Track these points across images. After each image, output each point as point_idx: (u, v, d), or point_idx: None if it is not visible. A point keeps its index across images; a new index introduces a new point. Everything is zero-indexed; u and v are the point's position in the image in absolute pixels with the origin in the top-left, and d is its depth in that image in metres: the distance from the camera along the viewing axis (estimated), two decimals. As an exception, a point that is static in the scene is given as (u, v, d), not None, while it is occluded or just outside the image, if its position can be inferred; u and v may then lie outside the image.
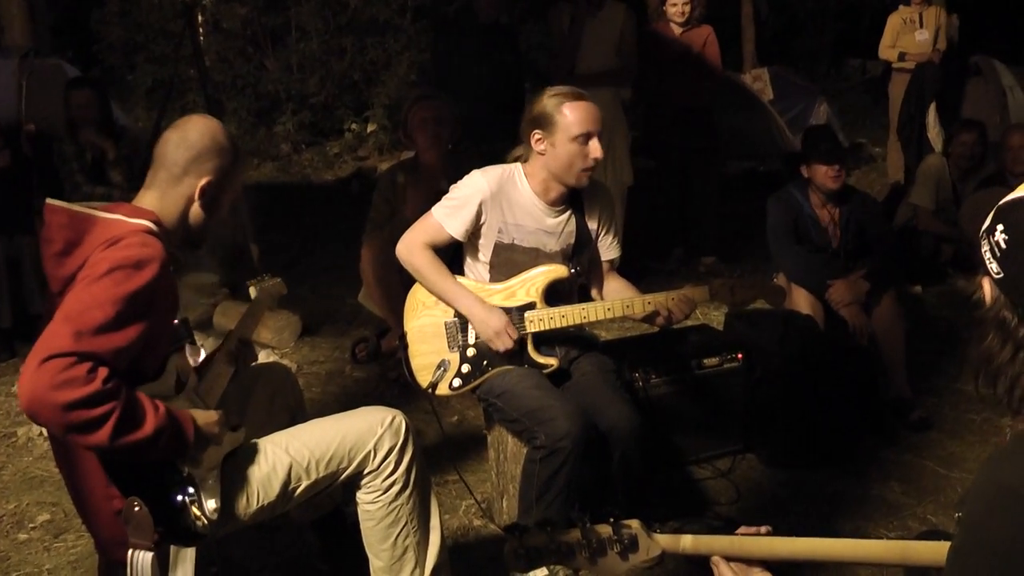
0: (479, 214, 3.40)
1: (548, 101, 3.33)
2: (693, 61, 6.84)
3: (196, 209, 2.63)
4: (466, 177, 3.46)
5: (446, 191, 3.50)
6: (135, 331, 2.27)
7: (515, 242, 3.44)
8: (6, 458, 4.49)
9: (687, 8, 6.78)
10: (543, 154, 3.36)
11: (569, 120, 3.29)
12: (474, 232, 3.44)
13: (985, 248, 1.47)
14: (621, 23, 6.59)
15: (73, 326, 2.17)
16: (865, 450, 4.26)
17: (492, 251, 3.46)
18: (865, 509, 3.82)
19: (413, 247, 3.45)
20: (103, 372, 2.16)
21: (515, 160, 3.49)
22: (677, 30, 6.85)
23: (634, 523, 1.80)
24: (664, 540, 1.81)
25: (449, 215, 3.41)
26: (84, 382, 2.12)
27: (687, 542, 1.81)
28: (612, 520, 1.79)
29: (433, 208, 3.46)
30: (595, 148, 3.31)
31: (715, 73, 7.06)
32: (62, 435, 2.23)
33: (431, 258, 3.43)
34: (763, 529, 1.87)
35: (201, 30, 11.30)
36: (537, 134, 3.36)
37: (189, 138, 2.61)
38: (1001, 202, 1.48)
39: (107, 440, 2.17)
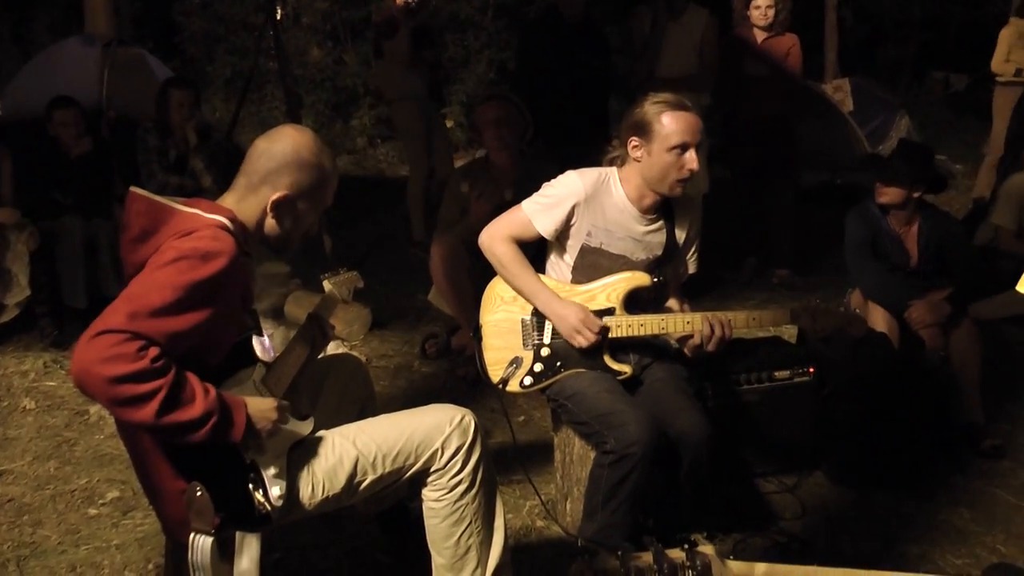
0: (571, 215, 3.39)
1: (649, 108, 3.30)
2: (774, 70, 6.77)
3: (270, 221, 2.65)
4: (562, 176, 3.44)
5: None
6: (193, 319, 2.30)
7: (603, 247, 3.42)
8: (78, 435, 4.59)
9: (771, 12, 6.69)
10: (639, 160, 3.35)
11: (667, 129, 3.26)
12: (563, 232, 3.44)
13: None
14: (703, 28, 6.55)
15: (130, 306, 2.22)
16: (935, 474, 4.18)
17: (578, 253, 3.45)
18: (932, 534, 3.75)
19: (496, 238, 3.45)
20: (153, 351, 2.20)
21: (611, 161, 3.47)
22: (761, 36, 6.77)
23: (708, 549, 1.79)
24: (737, 568, 1.80)
25: (540, 212, 3.41)
26: (132, 359, 2.16)
27: (761, 570, 1.79)
28: (686, 546, 1.77)
29: (524, 202, 3.45)
30: (691, 159, 3.28)
31: (795, 83, 6.98)
32: (108, 408, 2.26)
33: (514, 250, 3.43)
34: None
35: (281, 24, 11.42)
36: (634, 140, 3.34)
37: (273, 149, 2.63)
38: None
39: (152, 417, 2.20)
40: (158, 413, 2.20)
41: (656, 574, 1.77)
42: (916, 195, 4.56)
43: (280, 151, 2.63)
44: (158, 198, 2.48)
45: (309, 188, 2.67)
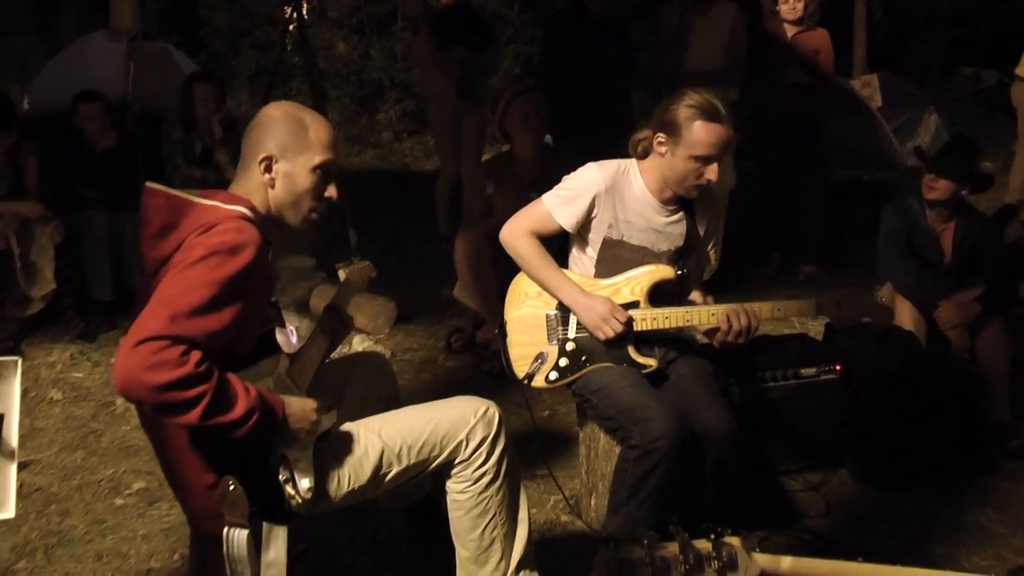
0: (591, 207, 3.37)
1: (684, 110, 3.23)
2: (803, 65, 6.72)
3: (270, 190, 2.62)
4: (581, 169, 3.43)
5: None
6: (229, 315, 2.31)
7: (624, 239, 3.41)
8: (104, 426, 4.62)
9: (799, 6, 6.64)
10: (662, 156, 3.32)
11: (696, 139, 3.21)
12: (584, 225, 3.42)
13: None
14: (731, 22, 6.50)
15: (168, 309, 2.21)
16: (961, 474, 4.14)
17: (600, 246, 3.44)
18: (958, 535, 3.72)
19: (517, 233, 3.43)
20: (196, 355, 2.20)
21: (639, 143, 3.43)
22: (791, 31, 6.72)
23: (734, 541, 1.77)
24: (763, 560, 1.78)
25: (560, 205, 3.39)
26: (176, 364, 2.16)
27: (787, 564, 1.78)
28: (712, 537, 1.76)
29: (544, 196, 3.44)
30: (712, 171, 3.25)
31: (826, 80, 6.92)
32: (154, 415, 2.29)
33: (535, 245, 3.41)
34: None
35: (307, 18, 11.43)
36: (661, 137, 3.30)
37: (251, 126, 2.65)
38: None
39: (197, 420, 2.22)
40: (203, 416, 2.22)
41: (682, 564, 1.75)
42: (964, 192, 4.53)
43: (256, 123, 2.64)
44: (175, 192, 2.48)
45: (292, 141, 2.61)
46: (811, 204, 7.00)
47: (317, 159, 2.64)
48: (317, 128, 2.66)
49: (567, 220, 3.39)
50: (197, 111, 6.12)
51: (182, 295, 2.25)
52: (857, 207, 7.84)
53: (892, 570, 1.74)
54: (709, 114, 3.20)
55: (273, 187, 2.62)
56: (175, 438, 2.49)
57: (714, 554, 1.75)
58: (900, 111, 10.75)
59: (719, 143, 3.22)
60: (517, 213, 3.49)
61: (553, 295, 3.44)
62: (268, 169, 2.60)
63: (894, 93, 10.97)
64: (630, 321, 3.36)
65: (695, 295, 3.64)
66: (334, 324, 3.05)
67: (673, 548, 1.76)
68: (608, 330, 3.33)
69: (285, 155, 2.61)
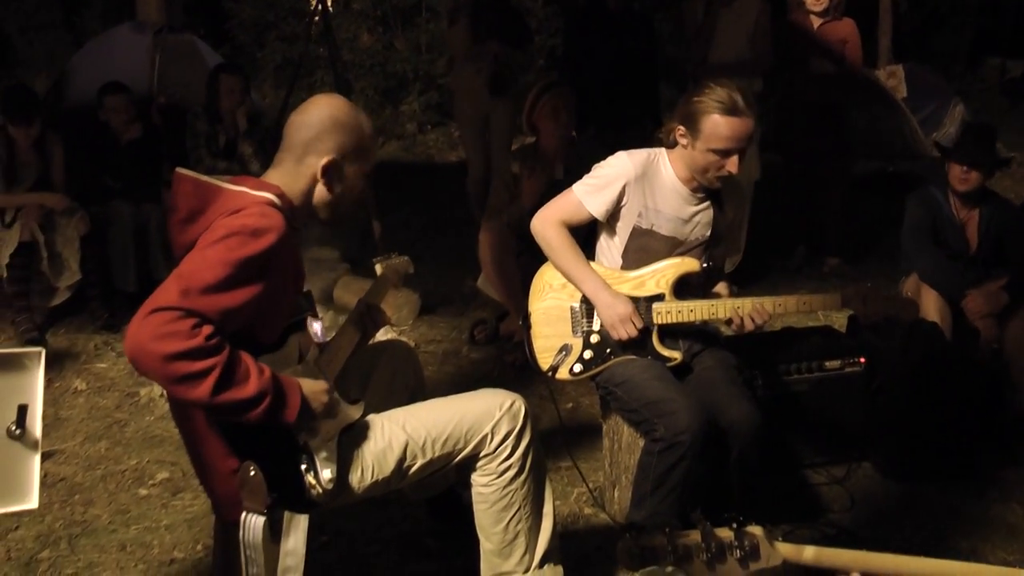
0: (621, 195, 3.36)
1: (701, 104, 3.22)
2: (829, 56, 6.67)
3: (320, 188, 2.63)
4: (611, 157, 3.42)
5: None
6: (244, 295, 2.31)
7: (654, 228, 3.40)
8: (128, 416, 4.65)
9: None
10: (684, 148, 3.32)
11: (713, 132, 3.19)
12: (613, 215, 3.41)
13: None
14: (756, 13, 6.45)
15: (183, 283, 2.23)
16: (986, 468, 4.11)
17: (629, 235, 3.43)
18: (983, 529, 3.70)
19: (548, 223, 3.42)
20: (207, 329, 2.21)
21: (668, 133, 3.39)
22: (816, 22, 6.65)
23: (757, 530, 1.76)
24: (786, 550, 1.77)
25: (591, 194, 3.38)
26: (187, 336, 2.17)
27: (809, 553, 1.76)
28: (734, 526, 1.75)
29: (574, 185, 3.43)
30: (732, 164, 3.23)
31: (852, 71, 6.85)
32: (163, 386, 2.29)
33: (565, 236, 3.40)
34: None
35: (331, 10, 11.44)
36: (681, 129, 3.29)
37: (310, 119, 2.61)
38: None
39: (207, 396, 2.22)
40: (213, 391, 2.22)
41: (704, 552, 1.73)
42: (988, 179, 4.50)
43: (317, 119, 2.61)
44: (204, 178, 2.49)
45: (353, 148, 2.64)
46: (834, 195, 6.94)
47: (369, 166, 2.70)
48: (372, 134, 2.71)
49: (597, 208, 3.37)
50: (223, 103, 6.14)
51: (198, 271, 2.27)
52: (882, 199, 7.78)
53: (915, 561, 1.72)
54: (727, 108, 3.18)
55: (327, 187, 2.63)
56: (201, 421, 2.50)
57: (736, 543, 1.74)
58: (926, 102, 10.64)
59: (737, 136, 3.20)
60: (548, 203, 3.48)
61: (577, 287, 3.43)
62: (327, 172, 2.61)
63: (920, 84, 10.85)
64: (647, 331, 3.37)
65: (720, 287, 3.63)
66: (365, 321, 3.05)
67: (695, 536, 1.74)
68: (623, 332, 3.33)
69: (345, 160, 2.63)
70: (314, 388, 2.48)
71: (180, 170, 2.51)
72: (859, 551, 1.75)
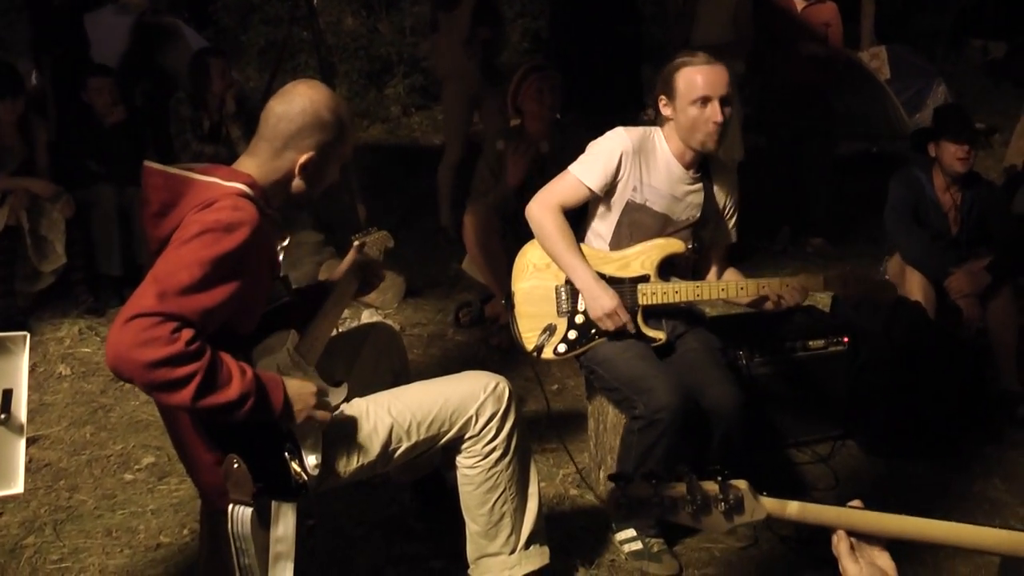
0: (619, 168, 3.38)
1: (671, 66, 3.35)
2: (811, 38, 6.68)
3: (298, 182, 2.61)
4: (608, 132, 3.45)
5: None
6: (223, 293, 2.29)
7: (647, 203, 3.42)
8: (114, 401, 4.63)
9: None
10: (671, 119, 3.37)
11: (688, 84, 3.28)
12: (610, 189, 3.42)
13: None
14: (737, -5, 6.47)
15: (159, 287, 2.21)
16: (968, 444, 4.16)
17: (623, 209, 3.44)
18: (966, 504, 3.74)
19: (545, 207, 3.43)
20: (187, 333, 2.19)
21: (657, 106, 3.46)
22: (800, 4, 6.68)
23: (742, 484, 1.77)
24: (770, 504, 1.78)
25: (588, 169, 3.40)
26: (167, 342, 2.15)
27: (793, 509, 1.78)
28: (720, 479, 1.77)
29: (571, 166, 3.45)
30: (714, 111, 3.27)
31: (834, 53, 6.87)
32: (146, 392, 2.27)
33: (561, 222, 3.41)
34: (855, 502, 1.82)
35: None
36: (663, 99, 3.38)
37: (291, 112, 2.56)
38: None
39: (189, 401, 2.21)
40: (195, 396, 2.21)
41: (689, 504, 1.75)
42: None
43: (299, 112, 2.56)
44: (173, 169, 2.46)
45: (332, 145, 2.62)
46: (818, 177, 6.97)
47: (347, 156, 2.70)
48: (351, 124, 2.69)
49: (595, 182, 3.39)
50: (215, 86, 6.09)
51: (174, 273, 2.24)
52: (866, 179, 7.79)
53: (898, 519, 1.74)
54: (695, 60, 3.32)
55: (304, 181, 2.61)
56: (183, 415, 2.49)
57: (721, 496, 1.76)
58: (909, 83, 10.67)
59: (710, 82, 3.28)
60: (545, 186, 3.49)
61: (567, 274, 3.44)
62: (305, 168, 2.59)
63: (903, 65, 10.89)
64: (633, 311, 3.38)
65: (729, 273, 3.66)
66: (367, 273, 3.06)
67: (681, 488, 1.76)
68: (609, 324, 3.35)
69: (324, 154, 2.61)
70: (301, 391, 2.46)
71: (148, 163, 2.48)
72: (843, 507, 1.76)
